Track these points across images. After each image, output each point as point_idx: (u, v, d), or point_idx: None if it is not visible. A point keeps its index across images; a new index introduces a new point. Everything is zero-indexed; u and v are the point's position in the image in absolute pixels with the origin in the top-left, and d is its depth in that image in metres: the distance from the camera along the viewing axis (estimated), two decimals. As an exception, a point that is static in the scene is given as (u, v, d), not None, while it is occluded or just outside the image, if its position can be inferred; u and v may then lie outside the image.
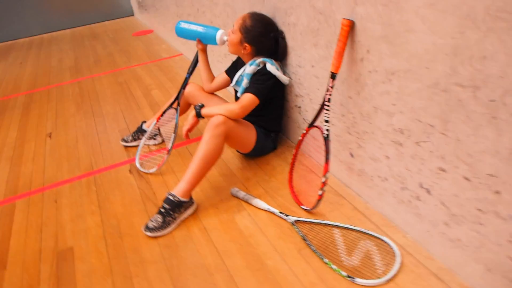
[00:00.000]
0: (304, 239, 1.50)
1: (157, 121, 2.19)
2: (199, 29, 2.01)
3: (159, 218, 1.62)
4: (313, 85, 1.77)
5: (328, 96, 1.49)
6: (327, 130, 1.51)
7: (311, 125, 1.61)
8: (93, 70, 3.86)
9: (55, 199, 1.96)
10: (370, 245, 1.44)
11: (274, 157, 2.06)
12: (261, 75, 1.83)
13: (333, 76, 1.46)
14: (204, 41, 2.04)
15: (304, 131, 1.65)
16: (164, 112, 2.18)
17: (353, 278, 1.31)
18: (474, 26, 0.96)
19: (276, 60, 1.89)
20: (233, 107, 1.74)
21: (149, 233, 1.61)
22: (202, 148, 1.68)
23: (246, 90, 1.81)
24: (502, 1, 0.88)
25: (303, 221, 1.59)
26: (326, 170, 1.51)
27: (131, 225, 1.71)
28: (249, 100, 1.76)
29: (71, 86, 3.51)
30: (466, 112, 1.06)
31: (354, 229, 1.51)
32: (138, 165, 2.08)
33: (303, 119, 1.96)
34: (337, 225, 1.54)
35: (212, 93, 2.22)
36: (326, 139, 1.51)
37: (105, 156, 2.26)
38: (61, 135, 2.60)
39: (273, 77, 1.84)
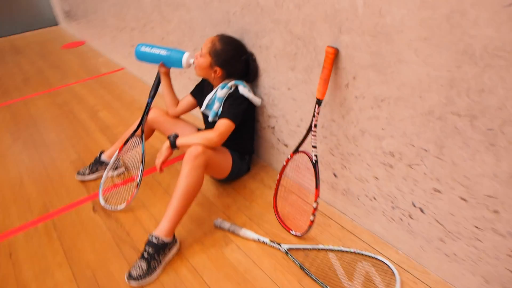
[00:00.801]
0: (302, 268, 1.48)
1: (120, 151, 2.02)
2: (163, 52, 1.89)
3: (143, 264, 1.50)
4: (289, 107, 1.75)
5: (315, 122, 1.48)
6: (315, 155, 1.51)
7: (297, 150, 1.60)
8: (24, 90, 3.47)
9: (9, 253, 1.71)
10: (367, 266, 1.47)
11: (249, 180, 2.01)
12: (234, 99, 1.77)
13: (319, 102, 1.45)
14: (168, 65, 1.93)
15: (289, 157, 1.63)
16: (126, 141, 2.02)
17: (360, 304, 1.32)
18: (471, 61, 1.01)
19: (247, 81, 1.85)
20: (211, 136, 1.66)
21: (134, 283, 1.48)
22: (183, 183, 1.59)
23: (221, 116, 1.74)
24: (500, 41, 0.94)
25: (297, 248, 1.57)
26: (317, 196, 1.51)
27: (109, 275, 1.55)
28: (225, 126, 1.70)
29: (0, 111, 3.12)
30: (463, 139, 1.11)
31: (349, 251, 1.52)
32: (102, 201, 1.91)
33: (278, 139, 1.94)
34: (331, 249, 1.55)
35: (177, 117, 2.10)
36: (315, 164, 1.51)
37: (60, 195, 2.04)
38: (1, 173, 2.29)
39: (246, 99, 1.79)
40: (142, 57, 1.94)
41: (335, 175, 1.67)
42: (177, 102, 2.07)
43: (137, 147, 2.03)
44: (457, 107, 1.09)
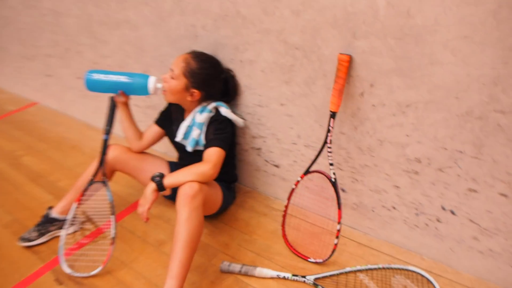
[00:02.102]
0: (340, 298, 1.34)
1: (79, 202, 1.63)
2: (123, 78, 1.58)
3: None
4: (282, 124, 1.61)
5: (330, 138, 1.37)
6: (334, 173, 1.39)
7: (308, 171, 1.46)
8: None
9: None
10: (402, 279, 1.39)
11: (238, 210, 1.80)
12: (219, 123, 1.56)
13: (333, 115, 1.34)
14: (129, 92, 1.62)
15: (299, 179, 1.48)
16: (85, 190, 1.64)
17: (417, 324, 1.23)
18: (519, 56, 1.00)
19: (226, 102, 1.65)
20: (204, 169, 1.42)
21: None
22: (185, 229, 1.32)
23: (209, 144, 1.51)
24: (553, 33, 0.94)
25: (324, 277, 1.42)
26: (340, 217, 1.39)
27: None
28: (218, 155, 1.48)
29: None
30: (507, 136, 1.11)
31: (378, 268, 1.43)
32: (67, 269, 1.50)
33: (265, 160, 1.77)
34: (359, 269, 1.44)
35: (141, 152, 1.79)
36: (335, 183, 1.39)
37: (6, 271, 1.55)
38: None
39: (230, 122, 1.60)
40: (95, 86, 1.60)
41: (343, 190, 1.57)
42: (140, 135, 1.76)
43: (99, 194, 1.66)
44: (501, 105, 1.08)
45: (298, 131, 1.58)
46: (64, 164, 2.23)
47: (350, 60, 1.28)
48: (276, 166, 1.75)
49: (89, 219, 1.76)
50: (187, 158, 1.67)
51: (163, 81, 1.56)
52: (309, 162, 1.59)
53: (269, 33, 1.44)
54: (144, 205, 1.40)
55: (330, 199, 1.54)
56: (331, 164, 1.38)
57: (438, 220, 1.37)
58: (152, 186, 1.40)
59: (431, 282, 1.36)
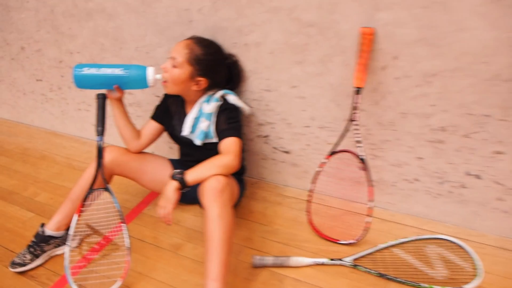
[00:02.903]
0: (381, 275, 1.32)
1: (79, 214, 1.44)
2: (117, 71, 1.41)
3: None
4: (293, 107, 1.55)
5: (356, 115, 1.33)
6: (362, 151, 1.36)
7: (334, 151, 1.42)
8: None
9: None
10: (435, 248, 1.41)
11: (250, 202, 1.72)
12: (230, 111, 1.47)
13: (358, 91, 1.31)
14: (125, 87, 1.46)
15: (325, 160, 1.43)
16: (85, 200, 1.46)
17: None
18: (550, 16, 1.04)
19: (231, 89, 1.55)
20: (228, 160, 1.33)
21: None
22: (219, 226, 1.22)
23: (225, 134, 1.41)
24: None
25: (361, 257, 1.40)
26: (371, 195, 1.37)
27: None
28: (237, 145, 1.39)
29: None
30: (535, 94, 1.15)
31: (409, 241, 1.44)
32: (76, 291, 1.33)
33: (274, 148, 1.71)
34: (392, 244, 1.43)
35: (140, 152, 1.63)
36: (364, 161, 1.36)
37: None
38: None
39: (239, 109, 1.52)
40: (87, 82, 1.42)
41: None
42: (137, 133, 1.60)
43: (100, 202, 1.49)
44: (531, 65, 1.11)
45: (312, 113, 1.53)
46: (38, 177, 1.99)
47: (374, 33, 1.25)
48: (287, 152, 1.69)
49: (93, 230, 1.58)
50: (194, 153, 1.55)
51: (163, 71, 1.42)
52: (324, 144, 1.56)
53: (279, 11, 1.37)
54: (166, 206, 1.27)
55: (353, 178, 1.52)
56: (358, 142, 1.35)
57: (462, 186, 1.40)
58: (173, 184, 1.27)
59: (461, 247, 1.39)
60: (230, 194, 1.30)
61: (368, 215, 1.40)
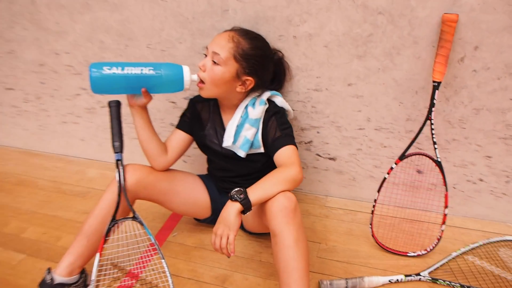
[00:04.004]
0: (463, 287, 1.20)
1: (101, 252, 1.13)
2: (147, 71, 1.14)
3: None
4: (348, 107, 1.38)
5: (433, 113, 1.20)
6: (437, 153, 1.23)
7: (403, 156, 1.26)
8: None
9: None
10: (507, 251, 1.31)
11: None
12: (281, 116, 1.26)
13: (437, 86, 1.18)
14: (155, 90, 1.19)
15: (394, 166, 1.27)
16: (108, 234, 1.15)
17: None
18: None
19: (276, 90, 1.35)
20: (293, 173, 1.12)
21: None
22: (297, 253, 1.03)
23: (281, 143, 1.19)
24: None
25: (435, 269, 1.26)
26: (447, 201, 1.25)
27: None
28: (297, 154, 1.19)
29: None
30: None
31: (480, 245, 1.32)
32: None
33: (317, 155, 1.52)
34: (464, 251, 1.31)
35: (167, 168, 1.35)
36: (440, 164, 1.23)
37: None
38: None
39: (287, 113, 1.33)
40: (107, 85, 1.12)
41: (419, 172, 1.43)
42: (164, 147, 1.32)
43: (122, 234, 1.19)
44: None
45: (368, 113, 1.37)
46: (19, 208, 1.61)
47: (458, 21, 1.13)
48: (332, 159, 1.51)
49: (122, 271, 1.26)
50: (234, 167, 1.33)
51: (202, 70, 1.19)
52: (379, 147, 1.42)
53: (342, -3, 1.20)
54: (227, 234, 1.03)
55: (425, 184, 1.38)
56: (435, 143, 1.22)
57: (532, 183, 1.33)
58: (235, 207, 1.03)
59: (535, 247, 1.32)
60: (300, 213, 1.10)
61: (444, 223, 1.27)
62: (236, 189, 1.06)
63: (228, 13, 1.33)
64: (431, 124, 1.21)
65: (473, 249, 1.32)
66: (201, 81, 1.19)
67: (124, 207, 1.17)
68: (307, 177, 1.59)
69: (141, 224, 1.15)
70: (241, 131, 1.25)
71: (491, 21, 1.11)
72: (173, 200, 1.33)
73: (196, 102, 1.36)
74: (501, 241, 1.33)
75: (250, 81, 1.21)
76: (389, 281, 1.22)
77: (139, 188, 1.24)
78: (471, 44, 1.16)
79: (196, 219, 1.48)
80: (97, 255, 1.09)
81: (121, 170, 1.19)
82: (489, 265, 1.27)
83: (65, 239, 1.41)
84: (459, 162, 1.37)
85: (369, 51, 1.26)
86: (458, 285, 1.20)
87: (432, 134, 1.21)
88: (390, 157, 1.44)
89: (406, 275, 1.23)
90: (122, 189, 1.17)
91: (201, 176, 1.43)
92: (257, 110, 1.23)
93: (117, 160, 1.20)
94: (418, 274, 1.23)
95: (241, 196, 1.04)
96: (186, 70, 1.16)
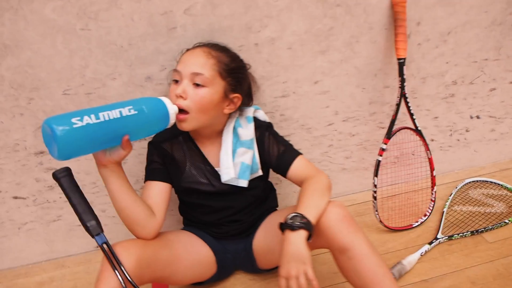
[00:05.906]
0: (473, 232, 1.33)
1: None
2: (127, 112, 0.85)
3: None
4: (316, 106, 1.35)
5: (405, 88, 1.28)
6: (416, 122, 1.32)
7: (390, 135, 1.30)
8: None
9: None
10: (477, 190, 1.51)
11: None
12: (272, 128, 1.16)
13: (403, 62, 1.26)
14: (137, 136, 0.90)
15: (383, 147, 1.30)
16: None
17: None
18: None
19: (249, 104, 1.22)
20: (325, 180, 1.03)
21: None
22: (378, 260, 0.96)
23: (291, 157, 1.08)
24: None
25: (442, 228, 1.36)
26: (433, 165, 1.36)
27: None
28: (309, 162, 1.11)
29: None
30: (517, 31, 1.40)
31: (455, 194, 1.49)
32: None
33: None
34: (449, 204, 1.46)
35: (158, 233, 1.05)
36: (421, 132, 1.33)
37: None
38: None
39: None
40: (83, 142, 0.79)
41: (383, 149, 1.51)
42: (150, 208, 1.02)
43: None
44: (516, 6, 1.34)
45: (335, 107, 1.37)
46: None
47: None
48: (307, 162, 1.45)
49: None
50: (233, 202, 1.15)
51: (182, 98, 0.98)
52: (348, 138, 1.46)
53: (299, -5, 1.16)
54: (303, 271, 0.87)
55: (412, 155, 1.45)
56: (412, 115, 1.31)
57: (467, 130, 1.56)
58: (301, 235, 0.88)
59: (489, 182, 1.54)
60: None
61: (434, 185, 1.38)
62: (290, 216, 0.90)
63: (176, 31, 1.12)
64: (406, 98, 1.28)
65: (452, 200, 1.47)
66: (182, 112, 0.97)
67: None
68: (281, 192, 1.48)
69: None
70: (235, 158, 1.07)
71: (426, -2, 1.25)
72: (178, 269, 1.06)
73: (160, 143, 1.10)
74: (463, 185, 1.53)
75: (237, 98, 1.05)
76: (420, 254, 1.25)
77: (142, 269, 0.93)
78: (415, 20, 1.28)
79: (195, 284, 1.20)
80: None
81: (113, 254, 0.87)
82: (472, 207, 1.44)
83: None
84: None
85: (331, 44, 1.25)
86: (469, 233, 1.31)
87: (409, 107, 1.29)
88: (358, 144, 1.47)
89: (429, 243, 1.28)
90: (125, 275, 0.86)
91: (188, 230, 1.17)
92: (249, 130, 1.09)
93: (102, 244, 0.87)
94: (436, 238, 1.30)
95: (303, 220, 0.88)
96: (167, 101, 0.94)
